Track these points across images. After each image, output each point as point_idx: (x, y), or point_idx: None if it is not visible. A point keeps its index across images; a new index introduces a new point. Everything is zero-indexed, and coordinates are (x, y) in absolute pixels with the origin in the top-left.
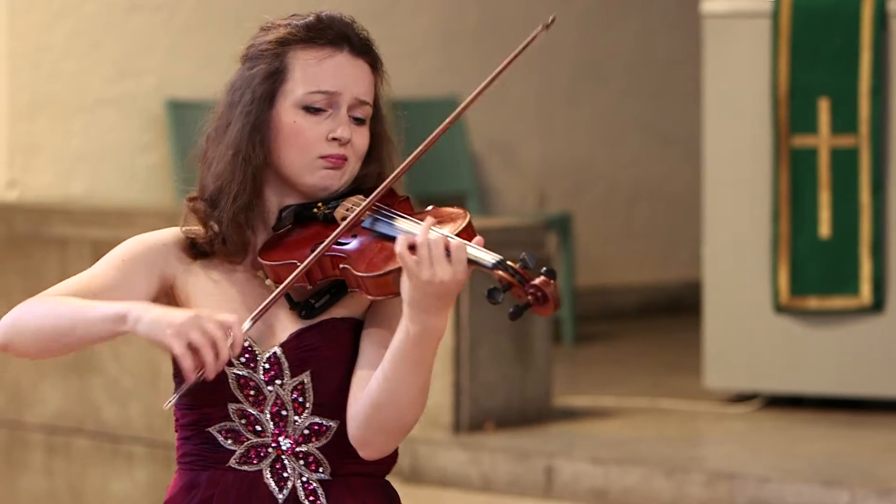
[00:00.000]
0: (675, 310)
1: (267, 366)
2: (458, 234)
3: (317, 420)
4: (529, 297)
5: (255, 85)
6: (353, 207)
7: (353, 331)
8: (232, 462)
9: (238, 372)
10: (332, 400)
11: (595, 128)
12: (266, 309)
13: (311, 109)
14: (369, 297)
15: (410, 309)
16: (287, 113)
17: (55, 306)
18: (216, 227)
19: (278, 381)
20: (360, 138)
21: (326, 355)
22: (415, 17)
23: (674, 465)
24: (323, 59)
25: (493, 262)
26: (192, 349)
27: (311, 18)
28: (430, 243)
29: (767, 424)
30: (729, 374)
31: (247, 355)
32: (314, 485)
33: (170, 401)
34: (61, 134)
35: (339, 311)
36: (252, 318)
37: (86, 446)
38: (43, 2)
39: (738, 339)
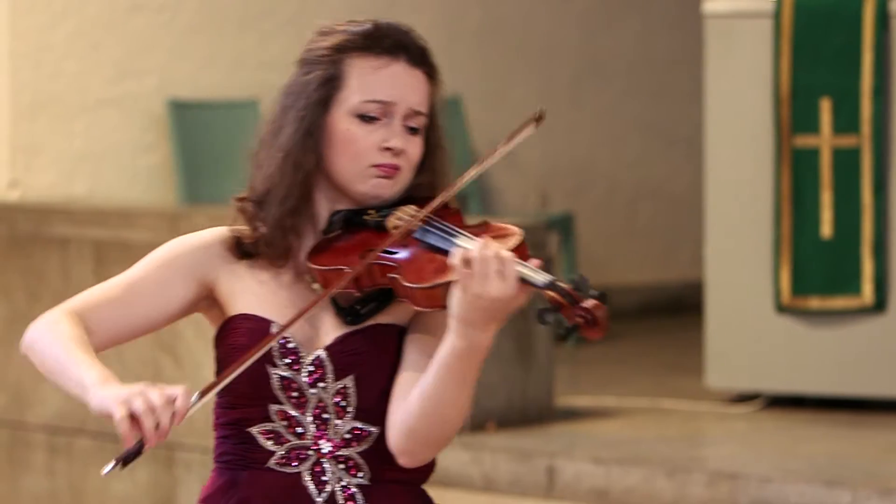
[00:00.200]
0: (676, 310)
1: (311, 368)
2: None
3: (358, 425)
4: (579, 320)
5: (310, 90)
6: (405, 217)
7: (398, 337)
8: (272, 463)
9: (281, 373)
10: (375, 405)
11: (596, 128)
12: (303, 314)
13: (365, 118)
14: (417, 307)
15: (458, 323)
16: (341, 120)
17: (58, 342)
18: (262, 229)
19: (322, 384)
20: (414, 148)
21: (372, 360)
22: (415, 16)
23: (675, 466)
24: (379, 68)
25: (545, 281)
26: (133, 418)
27: (368, 26)
28: (483, 258)
29: (769, 424)
30: (730, 374)
31: (291, 357)
32: (353, 489)
33: (107, 468)
34: (63, 134)
35: (383, 318)
36: (286, 324)
37: (87, 446)
38: (45, 2)
39: (740, 339)
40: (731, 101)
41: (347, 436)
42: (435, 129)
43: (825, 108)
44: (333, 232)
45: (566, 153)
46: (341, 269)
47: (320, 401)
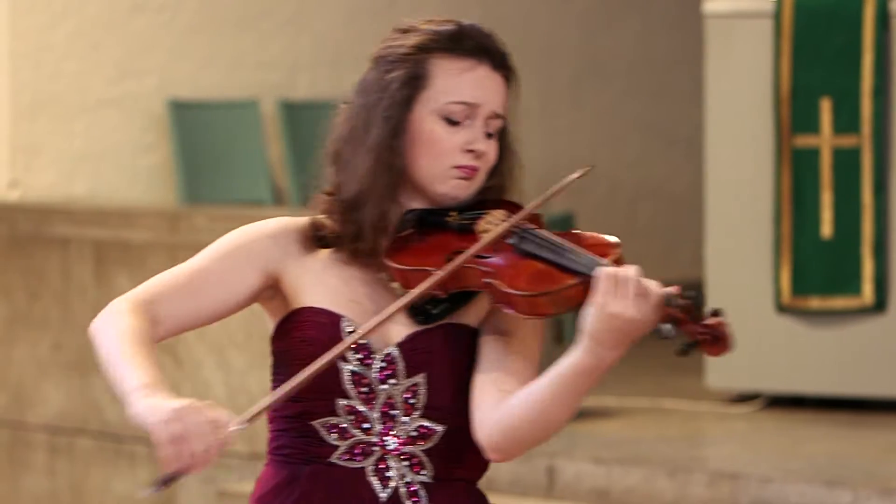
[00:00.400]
0: None
1: (383, 364)
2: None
3: (425, 423)
4: (702, 336)
5: (393, 89)
6: (494, 222)
7: (470, 339)
8: (334, 458)
9: (353, 368)
10: (444, 404)
11: (597, 128)
12: (390, 316)
13: (450, 120)
14: (516, 314)
15: (590, 340)
16: (425, 120)
17: (114, 337)
18: (352, 228)
19: (392, 381)
20: (492, 151)
21: (443, 360)
22: (415, 15)
23: (676, 465)
24: (465, 70)
25: (682, 304)
26: (176, 441)
27: (452, 27)
28: (626, 278)
29: (769, 424)
30: (731, 374)
31: (363, 352)
32: (416, 486)
33: (147, 491)
34: (63, 134)
35: (454, 318)
36: (367, 328)
37: (88, 446)
38: (45, 2)
39: (740, 339)
40: (731, 101)
41: (413, 433)
42: (506, 132)
43: (825, 108)
44: (406, 231)
45: (566, 153)
46: (427, 270)
47: (389, 397)
